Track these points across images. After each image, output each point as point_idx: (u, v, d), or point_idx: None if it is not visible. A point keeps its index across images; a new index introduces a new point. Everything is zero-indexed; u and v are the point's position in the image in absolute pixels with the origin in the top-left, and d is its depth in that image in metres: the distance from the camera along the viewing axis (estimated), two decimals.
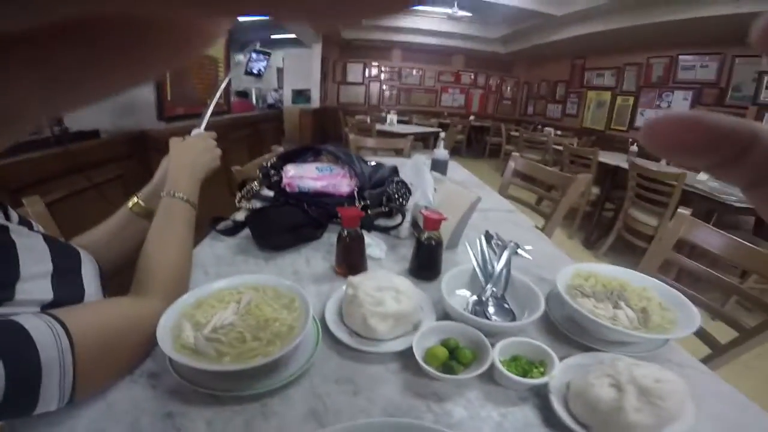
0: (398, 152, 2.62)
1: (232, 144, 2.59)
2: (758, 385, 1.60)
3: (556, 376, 0.50)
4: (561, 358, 0.52)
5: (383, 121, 5.15)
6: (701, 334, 1.11)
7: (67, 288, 0.50)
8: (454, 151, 1.53)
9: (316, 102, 6.68)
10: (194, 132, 0.78)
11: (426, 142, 5.07)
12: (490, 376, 0.52)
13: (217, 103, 0.80)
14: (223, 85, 0.76)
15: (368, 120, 5.39)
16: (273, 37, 5.78)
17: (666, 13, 3.71)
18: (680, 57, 4.42)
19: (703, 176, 2.73)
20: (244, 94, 5.71)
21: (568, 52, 6.09)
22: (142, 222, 0.72)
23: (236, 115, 2.78)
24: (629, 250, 2.88)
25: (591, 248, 3.10)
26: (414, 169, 0.99)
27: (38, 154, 1.34)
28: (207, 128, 0.80)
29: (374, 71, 7.65)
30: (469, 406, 0.49)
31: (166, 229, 0.62)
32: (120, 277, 0.68)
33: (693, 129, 0.12)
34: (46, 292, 0.47)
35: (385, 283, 0.57)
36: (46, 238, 0.54)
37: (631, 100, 5.11)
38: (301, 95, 6.61)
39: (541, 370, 0.51)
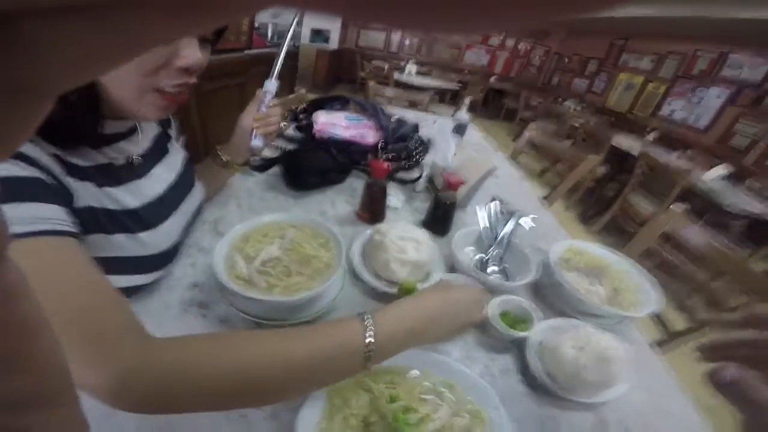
0: (413, 104, 2.61)
1: (250, 79, 2.55)
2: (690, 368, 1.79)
3: (536, 333, 0.59)
4: (541, 319, 0.61)
5: (401, 70, 4.99)
6: (660, 320, 1.24)
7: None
8: (469, 110, 1.54)
9: (334, 43, 6.31)
10: (266, 83, 0.76)
11: (443, 96, 4.96)
12: (483, 326, 0.62)
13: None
14: (290, 32, 0.74)
15: (386, 67, 5.22)
16: None
17: (724, 10, 3.47)
18: (730, 55, 4.17)
19: (708, 175, 2.77)
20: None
21: (610, 31, 5.78)
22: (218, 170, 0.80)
23: (255, 51, 2.69)
24: (620, 232, 2.93)
25: (585, 224, 3.19)
26: (440, 131, 1.05)
27: None
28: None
29: None
30: (465, 347, 0.59)
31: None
32: None
33: None
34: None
35: (408, 234, 0.66)
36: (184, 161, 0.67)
37: (663, 88, 4.92)
38: (319, 35, 6.15)
39: (525, 326, 0.60)
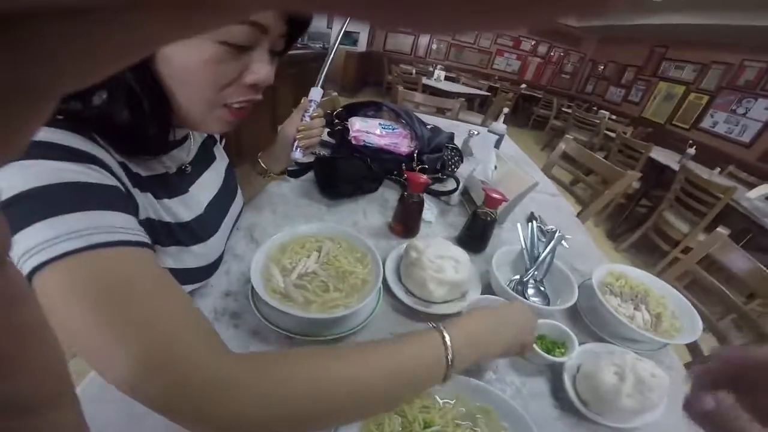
0: (441, 111, 2.57)
1: (281, 81, 2.59)
2: None
3: (573, 357, 0.58)
4: (579, 344, 0.60)
5: (429, 75, 4.97)
6: (691, 343, 1.18)
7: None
8: (497, 118, 1.52)
9: (362, 46, 6.44)
10: (312, 91, 0.76)
11: (471, 103, 4.90)
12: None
13: None
14: (338, 41, 0.71)
15: (413, 72, 5.21)
16: None
17: None
18: None
19: (752, 194, 2.62)
20: None
21: (649, 38, 5.60)
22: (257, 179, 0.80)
23: (289, 53, 2.73)
24: (649, 250, 2.85)
25: (614, 240, 3.09)
26: (482, 143, 1.03)
27: None
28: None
29: None
30: (497, 370, 0.58)
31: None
32: None
33: None
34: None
35: (445, 252, 0.64)
36: (228, 168, 0.67)
37: (705, 99, 4.69)
38: (348, 36, 6.32)
39: (562, 350, 0.59)
